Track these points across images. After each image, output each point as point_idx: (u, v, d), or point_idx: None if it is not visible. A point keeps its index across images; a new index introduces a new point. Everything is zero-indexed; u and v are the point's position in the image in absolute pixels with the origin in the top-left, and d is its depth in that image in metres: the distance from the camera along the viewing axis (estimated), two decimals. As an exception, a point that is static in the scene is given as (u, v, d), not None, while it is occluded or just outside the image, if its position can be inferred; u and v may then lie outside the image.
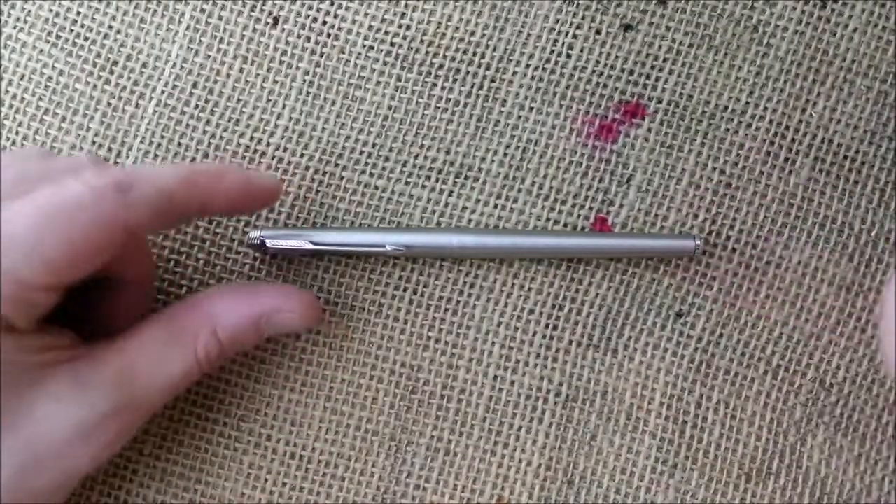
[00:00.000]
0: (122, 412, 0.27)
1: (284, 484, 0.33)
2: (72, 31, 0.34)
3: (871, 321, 0.34)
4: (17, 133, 0.33)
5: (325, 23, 0.34)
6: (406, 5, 0.34)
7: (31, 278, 0.25)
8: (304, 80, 0.34)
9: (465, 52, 0.34)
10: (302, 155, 0.34)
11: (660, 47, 0.34)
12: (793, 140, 0.34)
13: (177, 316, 0.29)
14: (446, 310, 0.33)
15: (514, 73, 0.34)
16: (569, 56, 0.34)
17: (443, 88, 0.34)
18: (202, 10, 0.34)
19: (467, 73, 0.34)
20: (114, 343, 0.28)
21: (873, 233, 0.34)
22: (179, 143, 0.34)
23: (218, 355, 0.29)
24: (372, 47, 0.34)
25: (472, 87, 0.34)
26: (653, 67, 0.34)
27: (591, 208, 0.34)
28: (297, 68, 0.34)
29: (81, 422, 0.27)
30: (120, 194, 0.26)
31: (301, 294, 0.31)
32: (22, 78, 0.34)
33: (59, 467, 0.27)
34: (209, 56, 0.34)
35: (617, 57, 0.34)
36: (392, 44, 0.34)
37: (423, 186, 0.34)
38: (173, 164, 0.32)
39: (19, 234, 0.25)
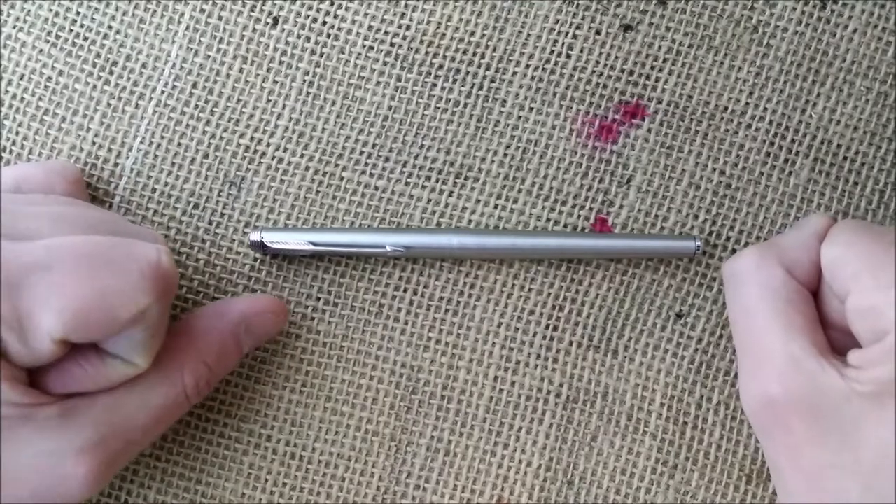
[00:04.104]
0: (107, 442, 0.27)
1: (285, 484, 0.33)
2: (72, 31, 0.34)
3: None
4: (17, 133, 0.33)
5: (325, 23, 0.34)
6: (406, 5, 0.34)
7: (45, 321, 0.25)
8: (304, 80, 0.34)
9: (465, 52, 0.34)
10: (302, 155, 0.34)
11: (660, 48, 0.34)
12: (793, 141, 0.34)
13: (161, 355, 0.29)
14: (447, 310, 0.33)
15: (514, 73, 0.34)
16: (569, 56, 0.34)
17: (443, 88, 0.34)
18: (202, 10, 0.34)
19: (467, 73, 0.34)
20: None
21: (873, 233, 0.34)
22: (179, 144, 0.34)
23: (208, 380, 0.30)
24: (372, 47, 0.34)
25: (472, 87, 0.34)
26: (653, 68, 0.34)
27: (591, 209, 0.34)
28: (297, 68, 0.34)
29: (61, 454, 0.26)
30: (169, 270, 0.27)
31: (265, 297, 0.32)
32: (22, 78, 0.33)
33: (43, 493, 0.26)
34: (209, 56, 0.34)
35: (617, 57, 0.34)
36: (392, 44, 0.34)
37: (423, 187, 0.34)
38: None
39: (52, 268, 0.25)
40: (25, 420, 0.26)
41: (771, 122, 0.34)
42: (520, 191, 0.34)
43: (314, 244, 0.32)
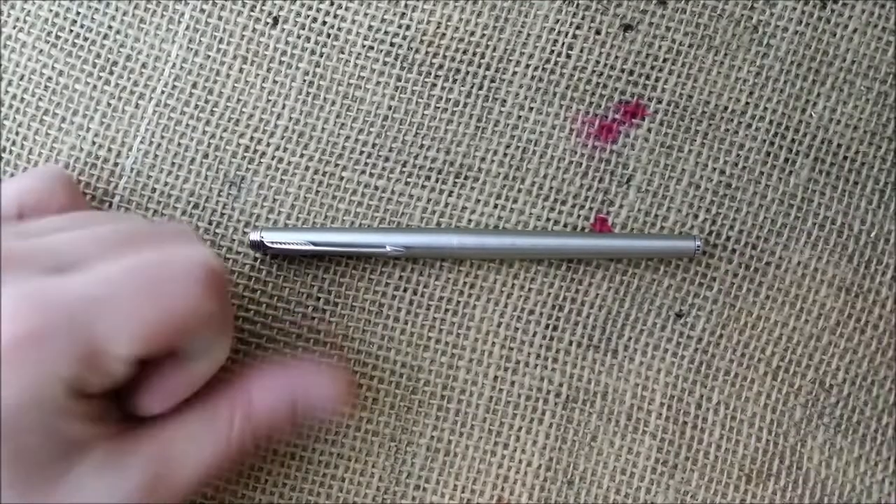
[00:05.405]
0: (155, 490, 0.28)
1: (285, 484, 0.33)
2: (72, 31, 0.34)
3: (870, 322, 0.34)
4: (17, 133, 0.33)
5: (325, 23, 0.34)
6: (406, 5, 0.34)
7: (118, 350, 0.25)
8: (304, 80, 0.34)
9: (465, 52, 0.34)
10: (302, 155, 0.34)
11: (660, 47, 0.34)
12: (793, 140, 0.34)
13: (213, 400, 0.29)
14: (446, 310, 0.34)
15: (514, 73, 0.34)
16: (569, 56, 0.34)
17: (443, 88, 0.34)
18: (202, 10, 0.34)
19: (467, 73, 0.34)
20: (154, 423, 0.28)
21: (873, 234, 0.34)
22: (179, 144, 0.34)
23: (253, 439, 0.30)
24: (372, 47, 0.34)
25: (472, 87, 0.34)
26: (653, 67, 0.34)
27: (591, 208, 0.34)
28: (297, 68, 0.34)
29: (112, 495, 0.27)
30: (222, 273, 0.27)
31: (337, 377, 0.31)
32: (22, 78, 0.33)
33: None
34: (209, 56, 0.34)
35: (617, 57, 0.34)
36: (392, 44, 0.34)
37: (423, 186, 0.34)
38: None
39: (115, 297, 0.25)
40: (75, 453, 0.26)
41: (771, 122, 0.34)
42: (520, 191, 0.34)
43: (314, 244, 0.32)
